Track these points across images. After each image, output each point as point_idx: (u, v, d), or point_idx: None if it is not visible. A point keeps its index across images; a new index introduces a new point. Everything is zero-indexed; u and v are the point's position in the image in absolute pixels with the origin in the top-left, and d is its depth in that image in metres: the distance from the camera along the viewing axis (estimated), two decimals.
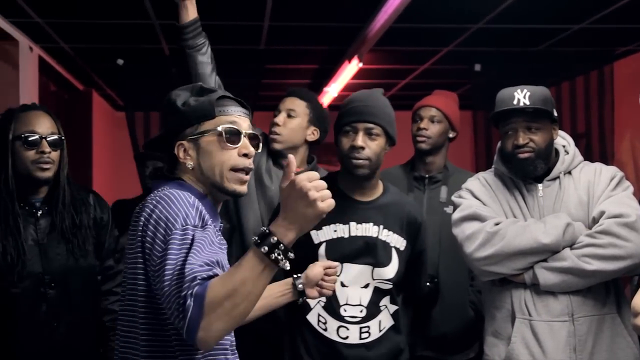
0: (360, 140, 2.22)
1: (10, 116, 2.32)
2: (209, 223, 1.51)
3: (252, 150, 1.62)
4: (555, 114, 2.28)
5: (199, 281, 1.35)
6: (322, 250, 2.26)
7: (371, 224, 2.29)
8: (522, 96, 2.21)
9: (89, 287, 2.40)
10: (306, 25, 4.43)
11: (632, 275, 2.46)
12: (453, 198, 2.39)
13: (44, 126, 2.31)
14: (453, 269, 2.66)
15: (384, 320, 2.30)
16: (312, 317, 2.28)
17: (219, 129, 1.59)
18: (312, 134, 2.75)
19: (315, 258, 2.24)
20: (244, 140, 1.62)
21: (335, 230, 2.28)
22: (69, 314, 2.31)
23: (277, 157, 2.76)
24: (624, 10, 4.08)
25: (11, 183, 2.26)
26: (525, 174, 2.25)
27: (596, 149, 5.82)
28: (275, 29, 4.44)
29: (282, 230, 1.37)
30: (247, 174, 1.62)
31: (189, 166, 1.60)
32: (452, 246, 2.39)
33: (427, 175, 2.94)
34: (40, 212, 2.33)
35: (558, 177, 2.28)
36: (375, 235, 2.29)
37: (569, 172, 2.30)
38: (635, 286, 2.49)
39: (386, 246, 2.30)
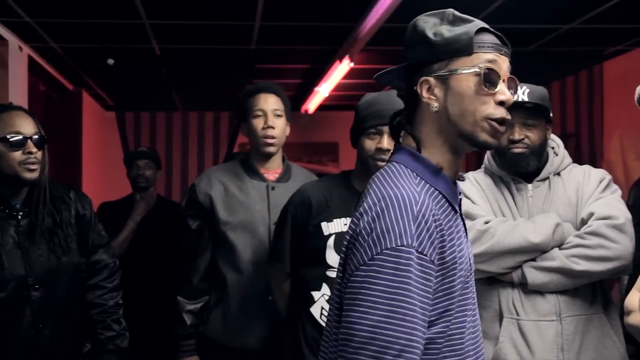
0: (386, 143, 2.27)
1: None
2: (437, 236, 1.26)
3: (510, 97, 1.35)
4: (551, 114, 2.30)
5: None
6: (330, 241, 2.30)
7: None
8: (521, 92, 2.22)
9: (74, 285, 2.39)
10: (297, 25, 4.43)
11: (619, 277, 2.47)
12: None
13: (27, 127, 2.28)
14: None
15: None
16: (315, 310, 2.31)
17: (477, 69, 1.31)
18: (287, 128, 2.72)
19: (323, 249, 2.29)
20: (502, 86, 1.34)
21: (345, 224, 2.32)
22: (55, 314, 2.30)
23: (254, 167, 2.68)
24: (613, 11, 4.11)
25: None
26: (517, 169, 2.26)
27: (586, 148, 5.85)
28: (267, 28, 4.44)
29: None
30: (502, 124, 1.35)
31: (433, 108, 1.34)
32: None
33: None
34: (21, 214, 2.30)
35: (547, 177, 2.29)
36: None
37: (558, 174, 2.31)
38: (626, 286, 2.51)
39: None
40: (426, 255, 1.23)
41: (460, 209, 1.42)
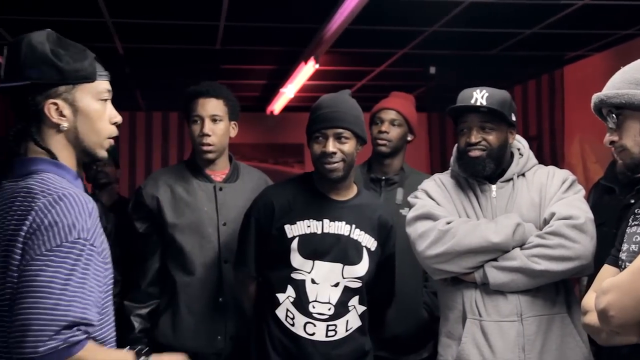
0: (331, 146, 2.28)
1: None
2: (98, 229, 1.48)
3: (120, 118, 1.61)
4: (514, 118, 2.32)
5: (82, 334, 1.38)
6: (294, 244, 2.29)
7: (344, 222, 2.34)
8: (480, 96, 2.25)
9: None
10: (262, 26, 4.42)
11: (580, 277, 2.51)
12: (409, 199, 2.42)
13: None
14: (407, 270, 2.68)
15: (352, 321, 2.33)
16: (280, 312, 2.31)
17: (104, 96, 1.55)
18: (233, 129, 2.70)
19: (288, 252, 2.29)
20: (112, 108, 1.60)
21: (308, 226, 2.32)
22: None
23: (200, 169, 2.65)
24: (573, 17, 4.18)
25: None
26: (474, 172, 2.28)
27: (547, 151, 5.94)
28: (231, 29, 4.42)
29: None
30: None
31: (63, 128, 1.51)
32: (407, 247, 2.41)
33: (383, 177, 2.96)
34: None
35: (512, 178, 2.32)
36: (347, 233, 2.34)
37: (523, 174, 2.33)
38: (585, 287, 2.54)
39: (357, 245, 2.34)
40: (96, 247, 1.44)
41: None
